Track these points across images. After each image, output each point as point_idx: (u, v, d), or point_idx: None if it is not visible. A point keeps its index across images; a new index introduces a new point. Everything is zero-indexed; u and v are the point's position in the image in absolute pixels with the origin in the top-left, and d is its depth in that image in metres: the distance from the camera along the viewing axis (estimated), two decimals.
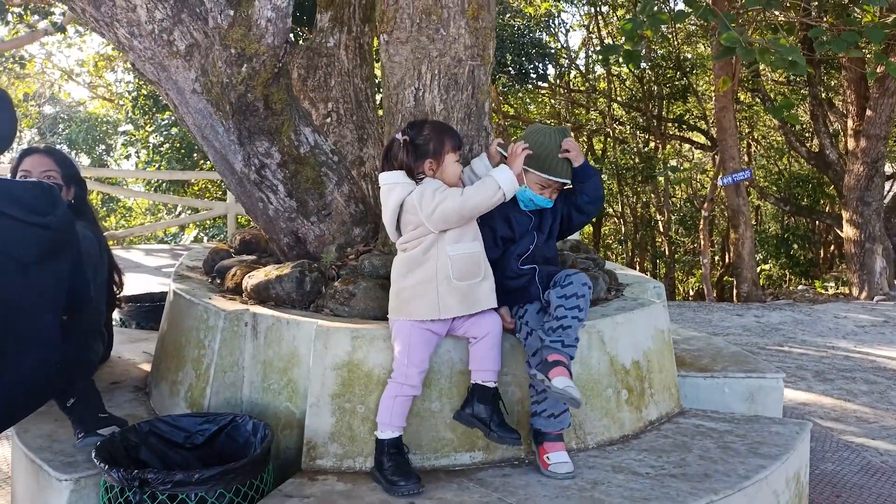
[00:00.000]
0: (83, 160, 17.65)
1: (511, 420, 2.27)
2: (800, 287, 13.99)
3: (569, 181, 2.42)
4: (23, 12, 10.22)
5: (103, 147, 18.54)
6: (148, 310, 4.06)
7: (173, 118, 12.10)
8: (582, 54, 16.85)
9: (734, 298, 11.93)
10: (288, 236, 2.89)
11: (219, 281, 2.94)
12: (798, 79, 12.61)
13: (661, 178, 15.20)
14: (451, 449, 2.28)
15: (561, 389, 2.08)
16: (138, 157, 15.43)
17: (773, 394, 3.19)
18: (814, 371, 5.48)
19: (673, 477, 2.18)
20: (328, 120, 4.27)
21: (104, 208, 17.34)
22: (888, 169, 11.86)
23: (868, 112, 9.74)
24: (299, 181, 2.80)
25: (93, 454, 2.00)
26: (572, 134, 2.48)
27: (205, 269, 3.18)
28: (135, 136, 15.01)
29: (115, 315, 3.92)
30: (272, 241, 3.01)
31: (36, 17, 10.35)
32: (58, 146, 17.58)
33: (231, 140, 2.73)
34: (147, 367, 3.17)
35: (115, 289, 3.20)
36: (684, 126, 16.41)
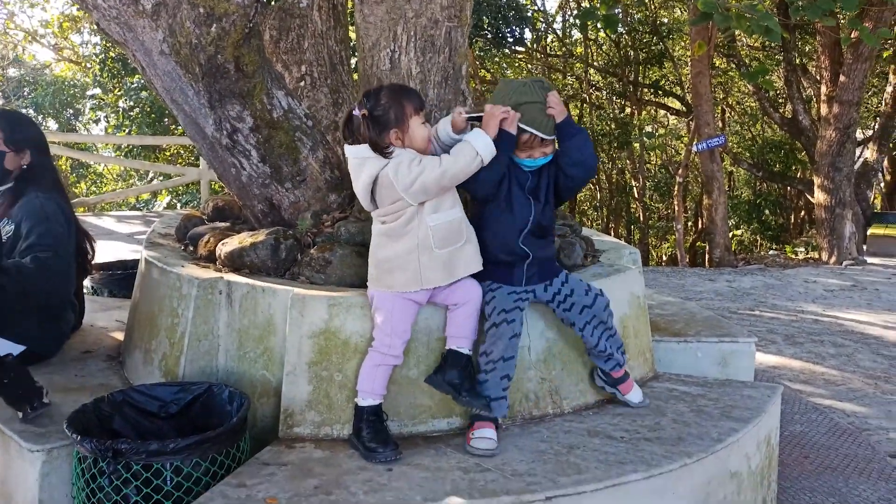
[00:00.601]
0: (50, 125, 17.16)
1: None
2: (771, 252, 14.21)
3: (550, 137, 2.27)
4: None
5: (71, 111, 18.04)
6: (120, 278, 3.99)
7: (143, 81, 11.80)
8: (559, 18, 16.70)
9: (706, 263, 12.08)
10: (262, 203, 2.84)
11: (191, 248, 2.89)
12: (773, 45, 12.63)
13: (637, 145, 15.24)
14: (429, 415, 2.28)
15: (638, 403, 2.50)
16: (108, 121, 15.07)
17: (745, 358, 3.24)
18: (784, 335, 5.58)
19: (647, 441, 2.21)
20: (302, 83, 4.18)
21: (74, 174, 16.99)
22: (859, 135, 11.99)
23: (841, 78, 9.80)
24: (273, 146, 2.74)
25: (65, 425, 1.97)
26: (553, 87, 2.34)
27: (177, 237, 3.12)
28: (104, 99, 14.63)
29: (87, 283, 3.85)
30: (246, 208, 2.95)
31: None
32: (23, 110, 17.08)
33: (201, 104, 2.66)
34: (120, 335, 3.12)
35: (87, 256, 3.13)
36: (660, 92, 16.40)
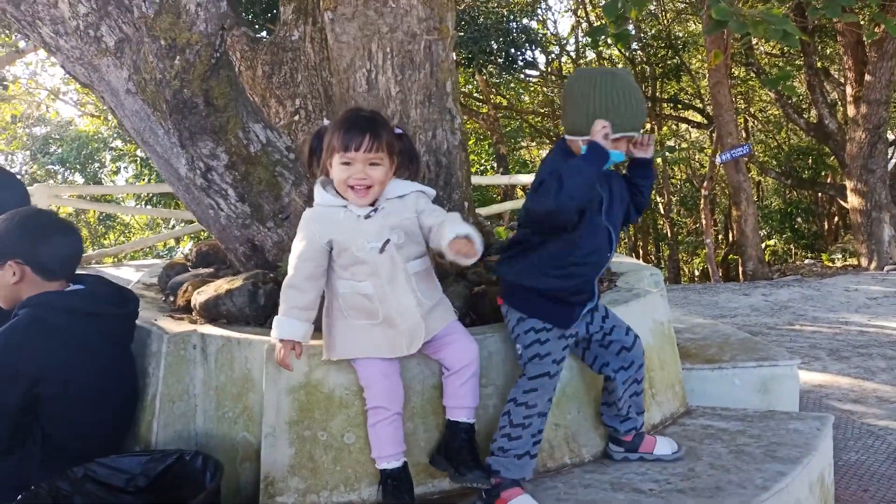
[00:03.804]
0: (77, 178, 17.40)
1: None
2: (806, 261, 13.69)
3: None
4: (1, 31, 9.96)
5: (98, 164, 18.29)
6: None
7: None
8: (571, 40, 16.55)
9: (740, 277, 11.64)
10: (244, 245, 2.63)
11: (172, 298, 2.68)
12: (792, 50, 12.30)
13: (659, 160, 14.91)
14: (428, 475, 2.01)
15: (673, 456, 2.10)
16: (127, 171, 15.22)
17: (787, 383, 2.93)
18: (828, 349, 5.20)
19: (680, 493, 1.91)
20: (296, 118, 4.03)
21: (102, 226, 17.16)
22: (889, 135, 11.54)
23: (867, 77, 9.43)
24: (251, 183, 2.54)
25: None
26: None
27: (160, 287, 2.92)
28: (123, 150, 14.77)
29: None
30: (228, 252, 2.75)
31: (17, 35, 10.09)
32: (49, 167, 17.37)
33: (172, 143, 2.47)
34: None
35: None
36: (679, 105, 16.09)
